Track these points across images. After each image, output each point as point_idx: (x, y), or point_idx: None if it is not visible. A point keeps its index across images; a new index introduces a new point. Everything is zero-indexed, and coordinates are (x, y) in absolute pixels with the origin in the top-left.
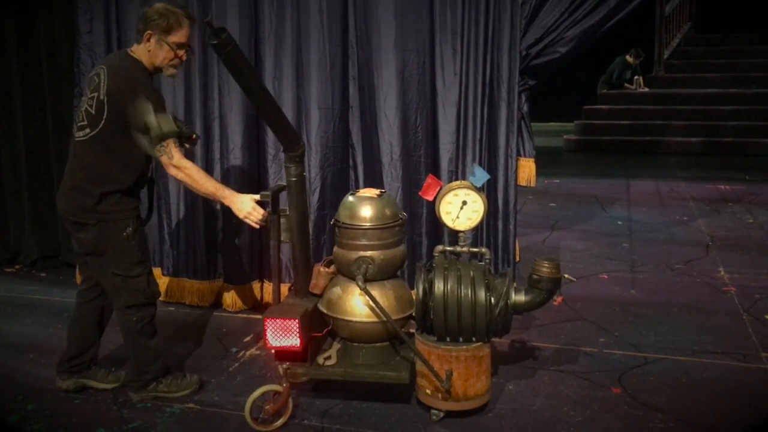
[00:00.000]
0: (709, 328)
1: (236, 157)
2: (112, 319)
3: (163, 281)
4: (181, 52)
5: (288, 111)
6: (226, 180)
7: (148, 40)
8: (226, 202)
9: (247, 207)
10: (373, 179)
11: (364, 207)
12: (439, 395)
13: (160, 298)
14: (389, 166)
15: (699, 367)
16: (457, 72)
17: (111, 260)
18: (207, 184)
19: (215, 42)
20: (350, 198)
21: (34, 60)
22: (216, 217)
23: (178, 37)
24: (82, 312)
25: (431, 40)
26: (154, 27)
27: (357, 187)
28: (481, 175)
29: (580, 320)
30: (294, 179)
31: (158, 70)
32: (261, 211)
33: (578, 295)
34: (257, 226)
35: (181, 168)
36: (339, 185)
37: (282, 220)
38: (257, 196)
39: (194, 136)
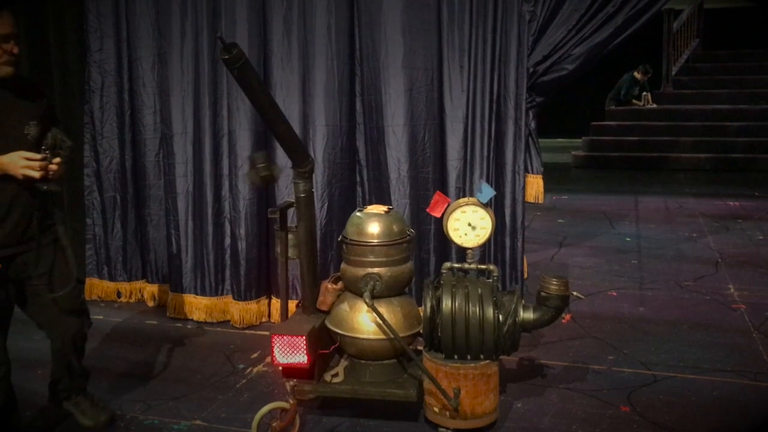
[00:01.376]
0: (719, 345)
1: (245, 173)
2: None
3: (171, 297)
4: (8, 46)
5: (295, 128)
6: (234, 196)
7: None
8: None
9: (19, 162)
10: (381, 196)
11: (372, 223)
12: (447, 413)
13: (169, 314)
14: (397, 183)
15: (709, 386)
16: (465, 89)
17: None
18: None
19: (226, 57)
20: (358, 214)
21: (46, 77)
22: (224, 233)
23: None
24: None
25: (439, 57)
26: None
27: (364, 204)
28: (487, 192)
29: (589, 338)
30: (302, 195)
31: None
32: (34, 155)
33: (587, 313)
34: (39, 173)
35: None
36: (346, 202)
37: (290, 236)
38: (25, 153)
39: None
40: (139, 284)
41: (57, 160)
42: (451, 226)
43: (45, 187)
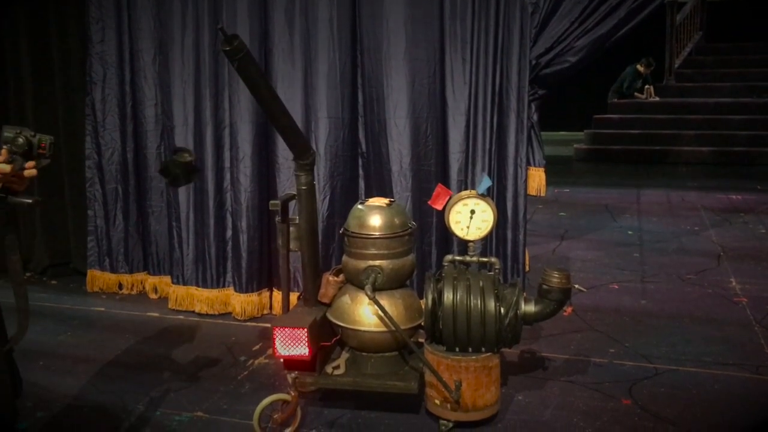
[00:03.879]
0: (720, 339)
1: (246, 166)
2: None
3: (173, 289)
4: None
5: (297, 120)
6: (236, 188)
7: None
8: None
9: None
10: (383, 188)
11: (374, 216)
12: (448, 406)
13: (170, 306)
14: (399, 175)
15: (710, 379)
16: (467, 81)
17: None
18: None
19: (228, 48)
20: (359, 207)
21: (47, 69)
22: (226, 225)
23: None
24: None
25: (441, 49)
26: None
27: (366, 196)
28: (485, 183)
29: (590, 331)
30: (304, 187)
31: None
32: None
33: (588, 306)
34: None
35: None
36: (348, 194)
37: (291, 228)
38: None
39: (43, 144)
40: (140, 276)
41: (31, 163)
42: (453, 219)
43: (30, 201)
